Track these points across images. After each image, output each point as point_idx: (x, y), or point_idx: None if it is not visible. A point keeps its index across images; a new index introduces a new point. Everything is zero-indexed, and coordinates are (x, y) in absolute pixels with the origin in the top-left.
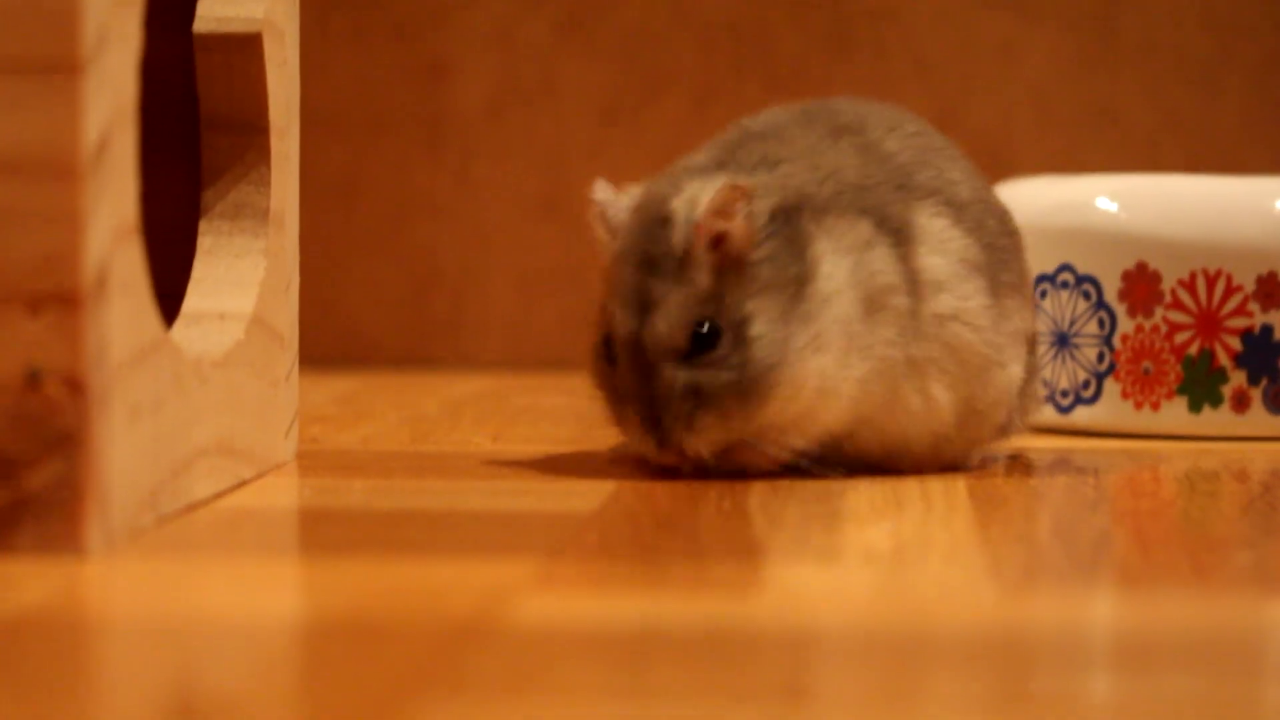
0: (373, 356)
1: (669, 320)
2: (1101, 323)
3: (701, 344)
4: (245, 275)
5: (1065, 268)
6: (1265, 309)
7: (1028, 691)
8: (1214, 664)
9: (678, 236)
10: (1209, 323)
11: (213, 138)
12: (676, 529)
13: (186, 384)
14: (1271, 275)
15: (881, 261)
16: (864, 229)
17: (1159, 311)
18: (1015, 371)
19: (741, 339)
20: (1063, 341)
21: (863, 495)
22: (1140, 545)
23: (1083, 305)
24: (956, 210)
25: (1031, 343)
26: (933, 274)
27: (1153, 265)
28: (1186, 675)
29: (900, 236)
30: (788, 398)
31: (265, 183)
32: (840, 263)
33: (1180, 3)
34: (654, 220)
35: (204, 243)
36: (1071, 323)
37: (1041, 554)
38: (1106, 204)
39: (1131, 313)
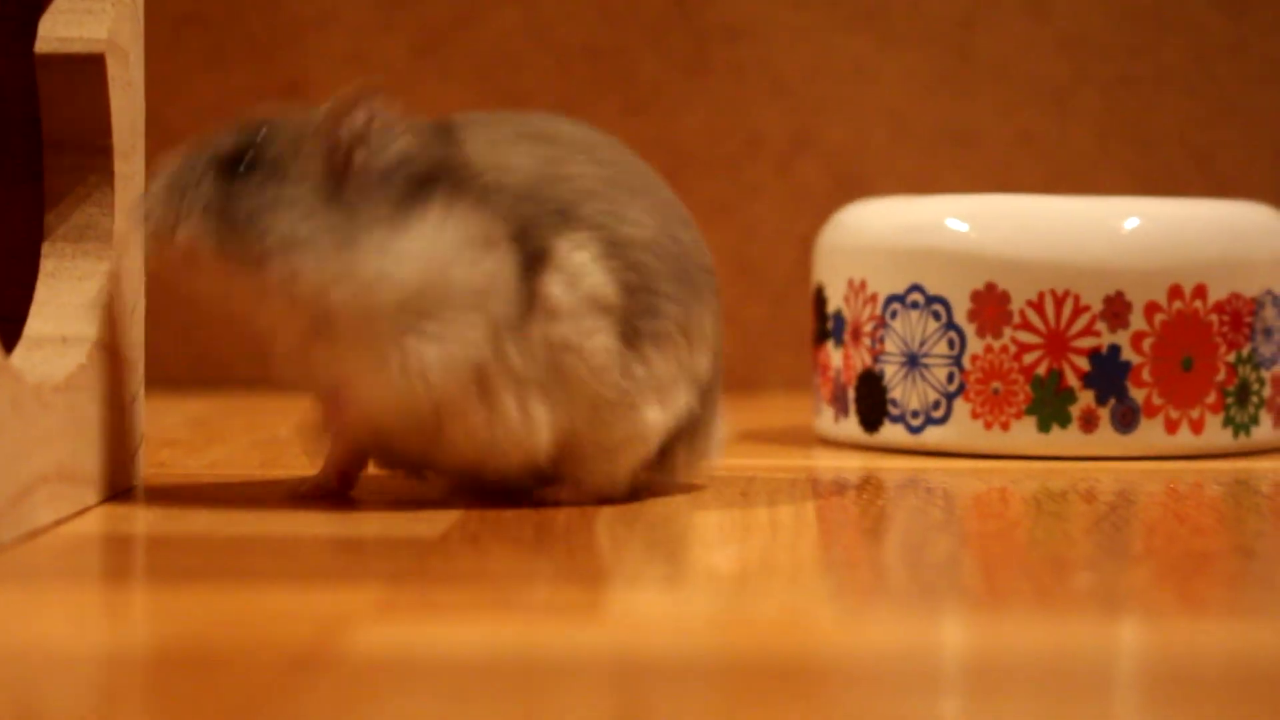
0: (227, 378)
1: None
2: (951, 343)
3: None
4: (89, 298)
5: (915, 288)
6: (1113, 329)
7: (869, 716)
8: (1057, 687)
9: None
10: (1057, 343)
11: (55, 159)
12: (520, 554)
13: (26, 409)
14: (1119, 295)
15: (492, 264)
16: (494, 230)
17: (1008, 332)
18: (653, 415)
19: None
20: (913, 362)
21: (711, 520)
22: (986, 567)
23: (932, 326)
24: (612, 248)
25: (706, 387)
26: (552, 303)
27: (1001, 285)
28: (1029, 699)
29: (535, 259)
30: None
31: (109, 204)
32: (437, 237)
33: (1034, 25)
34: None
35: (46, 265)
36: (921, 343)
37: (886, 577)
38: (956, 224)
39: (981, 333)
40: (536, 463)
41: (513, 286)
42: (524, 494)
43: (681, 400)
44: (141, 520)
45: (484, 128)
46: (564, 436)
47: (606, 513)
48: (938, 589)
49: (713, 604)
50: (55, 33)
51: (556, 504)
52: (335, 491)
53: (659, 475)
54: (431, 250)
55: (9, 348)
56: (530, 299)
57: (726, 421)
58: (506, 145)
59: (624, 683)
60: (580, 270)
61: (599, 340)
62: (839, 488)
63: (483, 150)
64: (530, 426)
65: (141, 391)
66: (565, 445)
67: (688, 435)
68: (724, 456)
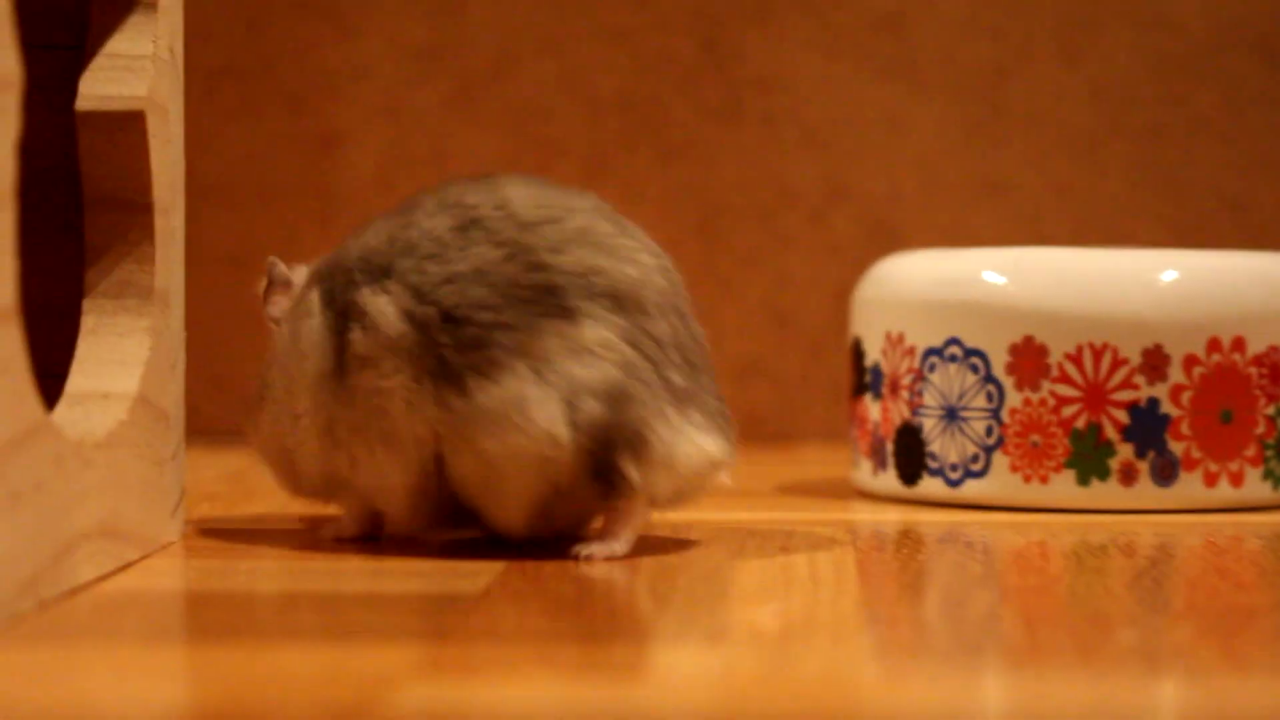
0: None
1: None
2: (990, 396)
3: None
4: (129, 354)
5: (953, 341)
6: (1151, 382)
7: None
8: None
9: None
10: (1096, 396)
11: (96, 216)
12: (563, 610)
13: (68, 466)
14: (1157, 348)
15: (308, 332)
16: (312, 300)
17: (1046, 385)
18: (507, 442)
19: None
20: (951, 415)
21: (752, 574)
22: (1027, 623)
23: (971, 379)
24: (412, 294)
25: (619, 394)
26: (357, 350)
27: (1040, 338)
28: None
29: (346, 312)
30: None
31: (149, 260)
32: (285, 329)
33: (1066, 74)
34: None
35: (87, 322)
36: (960, 396)
37: (928, 633)
38: (993, 277)
39: (1019, 386)
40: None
41: (327, 344)
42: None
43: (558, 416)
44: (182, 576)
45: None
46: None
47: (647, 568)
48: (980, 645)
49: (756, 661)
50: (95, 90)
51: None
52: (363, 535)
53: (613, 499)
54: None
55: (50, 404)
56: (342, 350)
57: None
58: (380, 222)
59: None
60: (377, 315)
61: (398, 380)
62: (878, 542)
63: (363, 237)
64: (380, 470)
65: (182, 447)
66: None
67: (627, 448)
68: (764, 509)
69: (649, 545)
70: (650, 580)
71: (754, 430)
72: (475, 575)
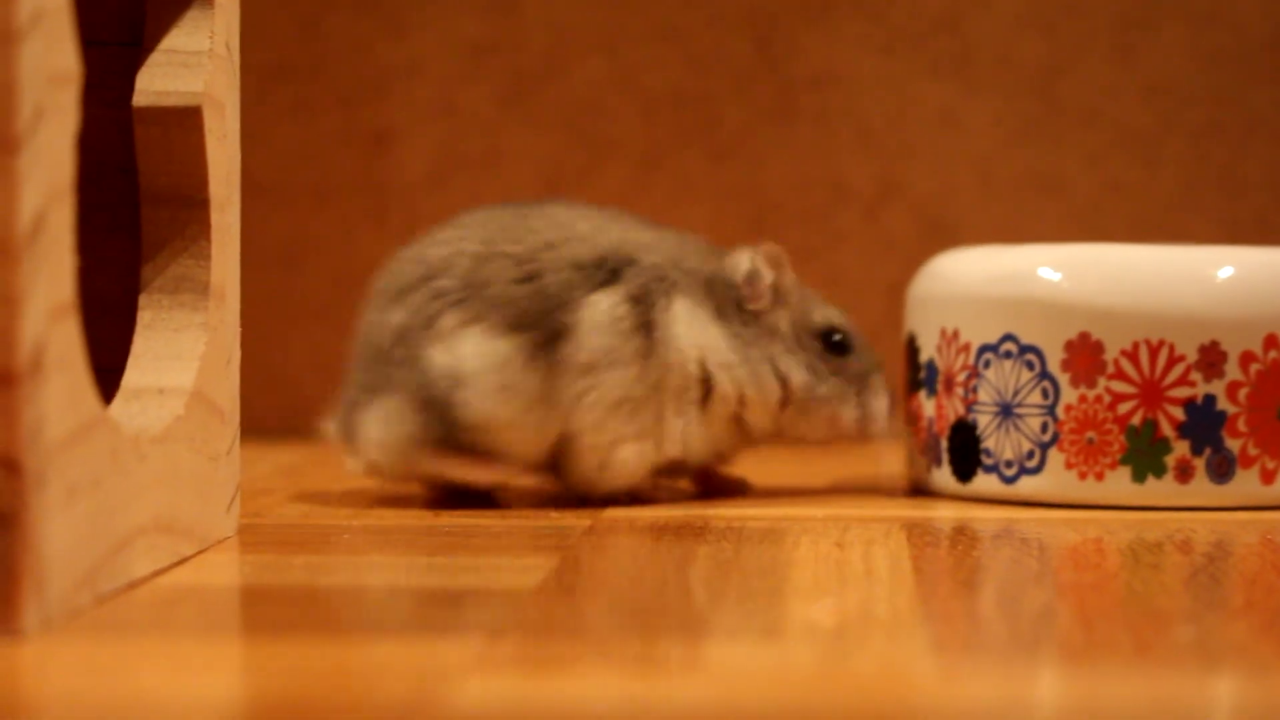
0: (315, 427)
1: None
2: (1045, 393)
3: None
4: (185, 350)
5: (1008, 338)
6: (1208, 379)
7: None
8: None
9: None
10: (1152, 393)
11: (152, 211)
12: (619, 605)
13: (125, 461)
14: (1214, 345)
15: None
16: None
17: (1102, 381)
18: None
19: None
20: (1006, 412)
21: (808, 569)
22: (1083, 619)
23: (1026, 375)
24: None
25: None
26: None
27: (1095, 335)
28: None
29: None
30: None
31: (205, 256)
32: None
33: (1120, 72)
34: None
35: (143, 317)
36: (1015, 393)
37: (984, 629)
38: (1049, 274)
39: (1075, 383)
40: None
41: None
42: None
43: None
44: (238, 571)
45: None
46: None
47: (702, 563)
48: (1035, 641)
49: (812, 656)
50: (153, 86)
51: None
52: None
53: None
54: None
55: (107, 399)
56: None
57: (821, 470)
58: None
59: None
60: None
61: None
62: (934, 538)
63: None
64: None
65: (237, 443)
66: None
67: None
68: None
69: (704, 539)
70: (705, 575)
71: None
72: (530, 570)
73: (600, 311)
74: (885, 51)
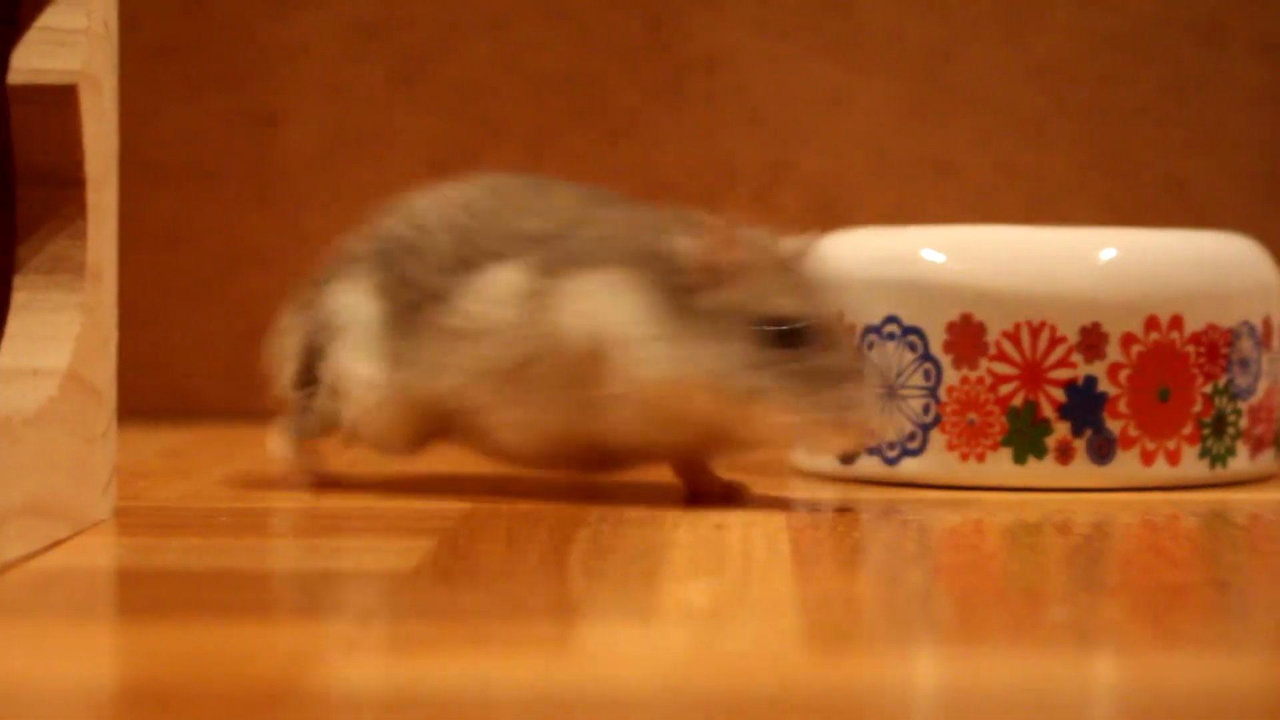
0: (199, 409)
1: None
2: (927, 374)
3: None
4: (61, 331)
5: (892, 319)
6: (1089, 360)
7: None
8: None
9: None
10: (1033, 374)
11: (27, 191)
12: (493, 587)
13: None
14: (1095, 326)
15: None
16: None
17: (984, 363)
18: None
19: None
20: (890, 393)
21: (686, 552)
22: (960, 601)
23: (909, 357)
24: None
25: None
26: None
27: (977, 316)
28: None
29: None
30: None
31: (82, 236)
32: None
33: (1011, 54)
34: None
35: (18, 298)
36: (898, 374)
37: (860, 610)
38: (931, 255)
39: (957, 364)
40: None
41: None
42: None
43: None
44: (112, 554)
45: None
46: None
47: (580, 545)
48: (912, 623)
49: (685, 639)
50: (28, 64)
51: None
52: None
53: None
54: None
55: None
56: None
57: None
58: None
59: (590, 719)
60: None
61: None
62: (814, 519)
63: None
64: None
65: (114, 424)
66: None
67: None
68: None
69: (583, 522)
70: (583, 557)
71: None
72: (405, 552)
73: (488, 280)
74: (776, 32)
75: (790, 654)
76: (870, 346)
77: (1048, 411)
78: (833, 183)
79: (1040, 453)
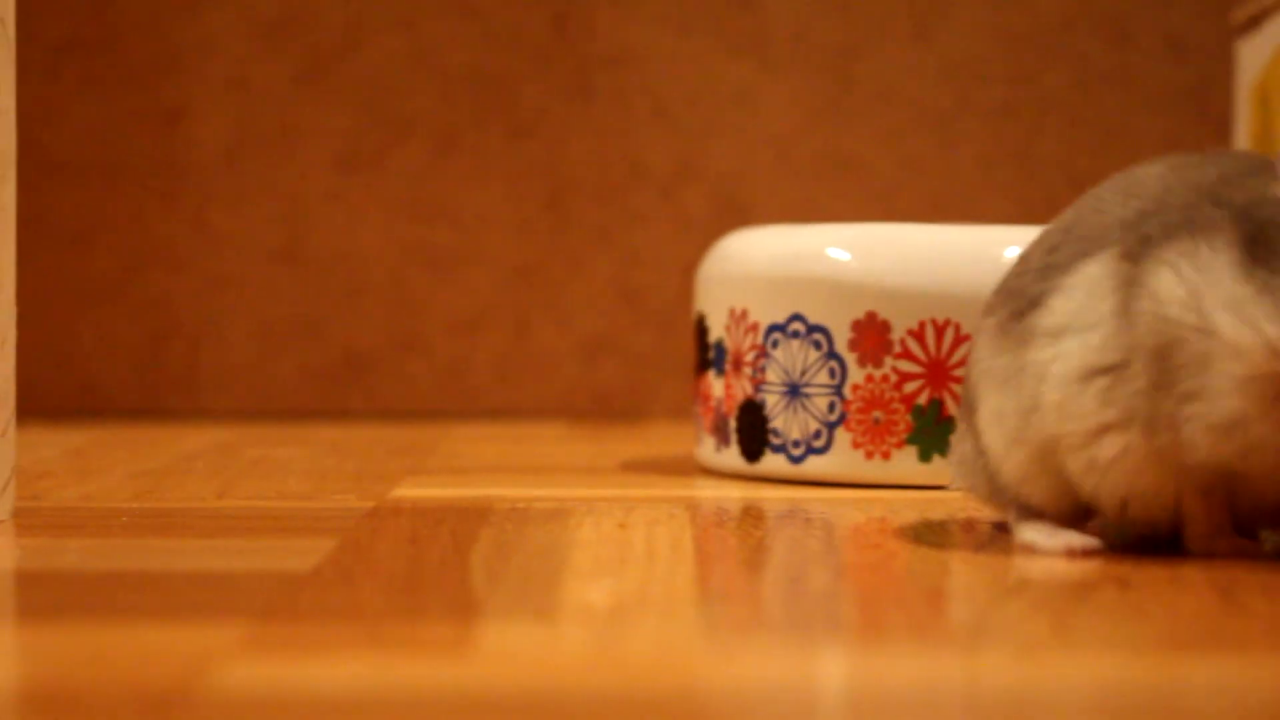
0: (106, 409)
1: None
2: (832, 372)
3: None
4: None
5: (796, 317)
6: None
7: None
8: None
9: None
10: (938, 372)
11: None
12: (393, 588)
13: None
14: None
15: None
16: None
17: (888, 361)
18: None
19: None
20: (794, 392)
21: (589, 551)
22: (862, 599)
23: (814, 355)
24: None
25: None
26: None
27: (882, 315)
28: None
29: None
30: None
31: None
32: None
33: (917, 52)
34: None
35: None
36: (803, 372)
37: (762, 609)
38: (836, 253)
39: (862, 362)
40: None
41: None
42: None
43: None
44: (9, 556)
45: None
46: None
47: (483, 546)
48: (813, 621)
49: (584, 639)
50: None
51: None
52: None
53: None
54: None
55: None
56: None
57: (612, 451)
58: None
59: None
60: None
61: None
62: (719, 518)
63: None
64: None
65: (13, 424)
66: None
67: None
68: (607, 487)
69: (487, 521)
70: (485, 557)
71: (602, 408)
72: (306, 553)
73: (1082, 275)
74: (683, 30)
75: (690, 653)
76: (774, 345)
77: (953, 409)
78: (739, 180)
79: (945, 450)
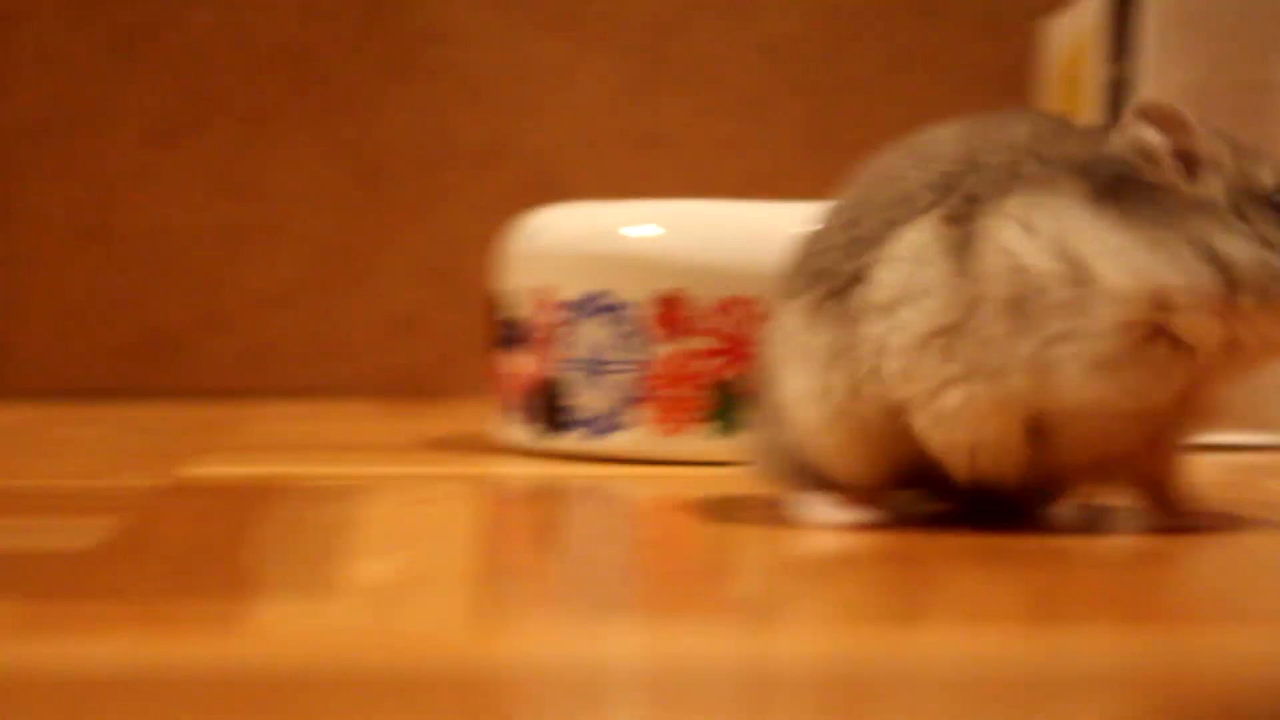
0: None
1: None
2: (634, 349)
3: None
4: None
5: (599, 294)
6: None
7: None
8: (719, 694)
9: None
10: (739, 349)
11: None
12: (173, 566)
13: None
14: None
15: None
16: None
17: (690, 338)
18: None
19: None
20: (594, 368)
21: (380, 527)
22: (652, 574)
23: (615, 332)
24: None
25: None
26: None
27: (684, 292)
28: (697, 708)
29: None
30: None
31: None
32: None
33: (733, 30)
34: None
35: None
36: (604, 349)
37: (547, 586)
38: (639, 230)
39: (664, 339)
40: None
41: None
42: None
43: None
44: None
45: None
46: None
47: (274, 523)
48: (600, 597)
49: (361, 615)
50: None
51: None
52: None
53: None
54: None
55: None
56: None
57: (417, 429)
58: None
59: (254, 697)
60: None
61: None
62: (514, 494)
63: None
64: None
65: None
66: None
67: None
68: (404, 464)
69: (277, 498)
70: (275, 534)
71: (411, 386)
72: (90, 531)
73: (904, 244)
74: (498, 7)
75: (467, 630)
76: (577, 321)
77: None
78: (552, 158)
79: (745, 427)
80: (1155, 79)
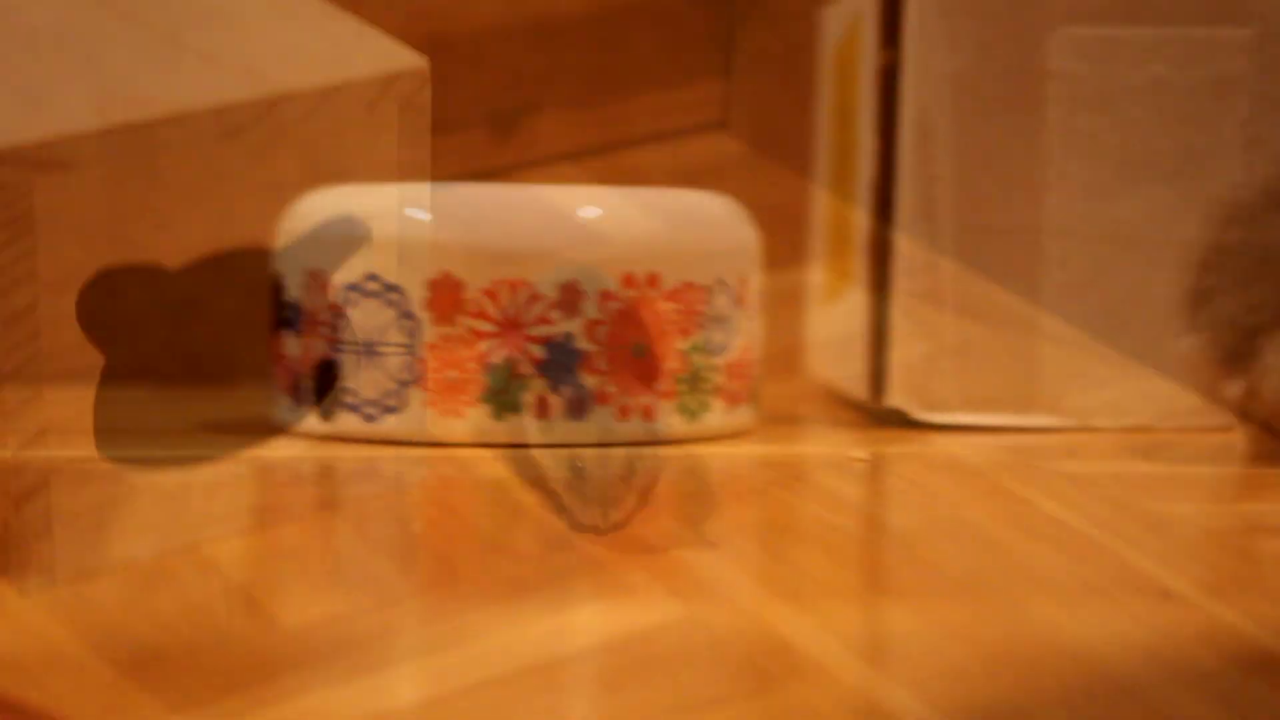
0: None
1: None
2: (407, 332)
3: None
4: None
5: (372, 277)
6: (568, 316)
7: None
8: (503, 672)
9: None
10: (512, 331)
11: None
12: None
13: None
14: (573, 284)
15: None
16: None
17: (463, 320)
18: None
19: None
20: (369, 351)
21: (138, 513)
22: (422, 556)
23: (389, 314)
24: None
25: None
26: None
27: (457, 274)
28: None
29: None
30: None
31: None
32: None
33: (505, 13)
34: None
35: None
36: (378, 331)
37: (308, 567)
38: (413, 212)
39: (436, 321)
40: None
41: None
42: None
43: None
44: None
45: None
46: None
47: (26, 510)
48: (364, 579)
49: (117, 597)
50: None
51: None
52: None
53: None
54: None
55: None
56: None
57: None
58: None
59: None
60: None
61: None
62: (286, 479)
63: None
64: None
65: None
66: None
67: None
68: (175, 449)
69: (39, 485)
70: (26, 521)
71: (190, 369)
72: None
73: None
74: None
75: (219, 612)
76: (350, 304)
77: (526, 367)
78: (333, 138)
79: (519, 408)
80: (921, 67)
